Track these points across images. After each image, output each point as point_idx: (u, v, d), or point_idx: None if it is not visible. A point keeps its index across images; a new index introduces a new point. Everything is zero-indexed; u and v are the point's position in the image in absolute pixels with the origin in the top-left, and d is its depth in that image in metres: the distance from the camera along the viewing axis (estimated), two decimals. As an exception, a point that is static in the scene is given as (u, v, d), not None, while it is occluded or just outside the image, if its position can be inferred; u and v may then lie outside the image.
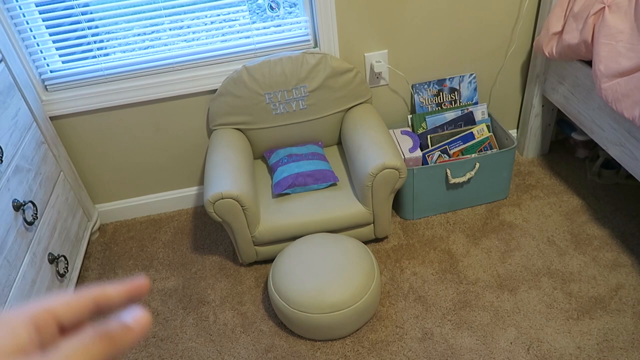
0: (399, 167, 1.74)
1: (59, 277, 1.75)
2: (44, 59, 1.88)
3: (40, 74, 1.90)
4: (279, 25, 1.95)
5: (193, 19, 1.87)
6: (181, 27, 1.89)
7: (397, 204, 2.11)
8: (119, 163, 2.15)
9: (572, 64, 1.90)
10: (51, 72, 1.91)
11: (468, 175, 1.96)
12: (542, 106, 2.18)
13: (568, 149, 2.35)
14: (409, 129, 2.14)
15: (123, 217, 2.30)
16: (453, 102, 2.16)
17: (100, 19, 1.84)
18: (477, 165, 1.95)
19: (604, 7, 1.64)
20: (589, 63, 1.80)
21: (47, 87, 1.93)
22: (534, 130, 2.25)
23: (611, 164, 2.12)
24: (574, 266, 1.81)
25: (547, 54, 1.90)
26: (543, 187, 2.17)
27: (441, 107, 2.16)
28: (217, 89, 1.95)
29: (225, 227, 1.80)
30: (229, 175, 1.76)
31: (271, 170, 2.01)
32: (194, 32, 1.90)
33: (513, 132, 2.38)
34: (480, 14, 1.99)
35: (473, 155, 2.00)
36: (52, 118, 1.95)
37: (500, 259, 1.87)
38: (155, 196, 2.28)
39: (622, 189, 2.08)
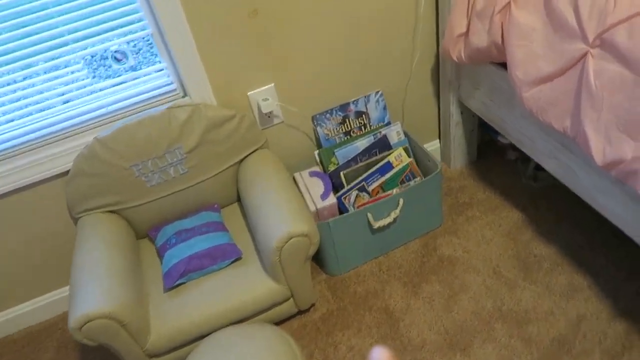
0: (307, 232, 1.42)
1: None
2: None
3: None
4: (135, 79, 1.56)
5: (16, 91, 1.45)
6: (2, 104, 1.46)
7: (320, 260, 1.80)
8: (-32, 277, 1.70)
9: (485, 67, 1.64)
10: None
11: (393, 215, 1.67)
12: (461, 113, 1.92)
13: (497, 151, 2.12)
14: (318, 168, 1.82)
15: (-7, 337, 1.85)
16: (363, 128, 1.86)
17: None
18: (401, 201, 1.66)
19: (510, 2, 1.37)
20: (505, 65, 1.55)
21: None
22: (457, 139, 2.00)
23: (545, 164, 1.91)
24: (527, 301, 1.57)
25: (455, 58, 1.63)
26: (478, 203, 1.92)
27: (350, 136, 1.85)
28: (69, 170, 1.55)
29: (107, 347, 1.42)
30: (98, 285, 1.38)
31: (159, 254, 1.63)
32: (25, 107, 1.48)
33: (436, 143, 2.12)
34: (374, 24, 1.68)
35: (395, 190, 1.71)
36: None
37: (445, 307, 1.61)
38: (29, 304, 1.84)
39: (561, 192, 1.87)
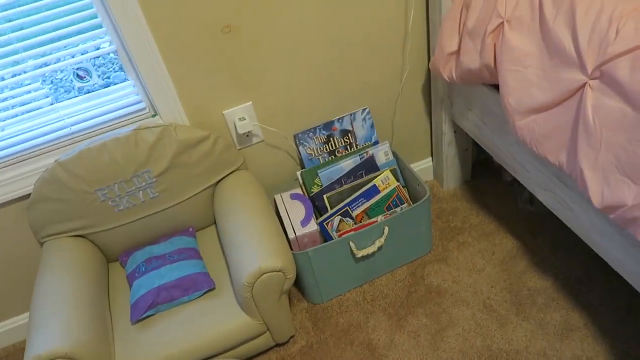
0: (281, 267, 1.32)
1: None
2: None
3: None
4: (102, 96, 1.46)
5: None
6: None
7: (301, 288, 1.70)
8: None
9: (477, 88, 1.52)
10: None
11: (378, 243, 1.56)
12: (455, 132, 1.81)
13: (493, 171, 2.01)
14: (300, 191, 1.71)
15: (-42, 361, 1.77)
16: (348, 147, 1.75)
17: None
18: (387, 229, 1.56)
19: (503, 23, 1.26)
20: (498, 87, 1.44)
21: None
22: (450, 158, 1.89)
23: (543, 188, 1.79)
24: (519, 340, 1.46)
25: (446, 77, 1.52)
26: (471, 228, 1.81)
27: (335, 156, 1.75)
28: (30, 194, 1.45)
29: (67, 387, 1.33)
30: (56, 321, 1.28)
31: (129, 282, 1.54)
32: (-21, 125, 1.38)
33: (428, 161, 2.01)
34: (359, 38, 1.57)
35: (380, 217, 1.60)
36: None
37: (431, 344, 1.50)
38: (-4, 327, 1.76)
39: (558, 218, 1.75)
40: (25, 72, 1.31)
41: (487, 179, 1.98)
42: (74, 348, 1.24)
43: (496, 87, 1.45)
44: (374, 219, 1.61)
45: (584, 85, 1.04)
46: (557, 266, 1.62)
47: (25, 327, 1.78)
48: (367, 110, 1.72)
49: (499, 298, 1.58)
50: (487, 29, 1.29)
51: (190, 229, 1.64)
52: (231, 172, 1.61)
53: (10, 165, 1.45)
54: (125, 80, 1.45)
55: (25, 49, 1.27)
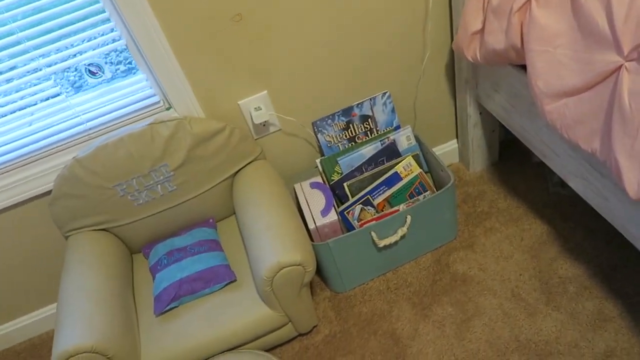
0: (300, 262, 1.30)
1: None
2: None
3: None
4: (114, 92, 1.44)
5: (-12, 110, 1.36)
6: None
7: (323, 277, 1.68)
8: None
9: (504, 68, 1.44)
10: None
11: (400, 232, 1.52)
12: (480, 113, 1.73)
13: (521, 152, 1.92)
14: (320, 179, 1.67)
15: (-3, 349, 1.84)
16: (369, 133, 1.70)
17: None
18: (409, 218, 1.51)
19: (530, 0, 1.17)
20: (526, 67, 1.35)
21: None
22: (476, 140, 1.81)
23: (575, 169, 1.70)
24: (549, 331, 1.41)
25: (470, 58, 1.43)
26: (498, 213, 1.74)
27: (355, 142, 1.70)
28: (51, 191, 1.46)
29: (95, 378, 1.36)
30: (81, 316, 1.30)
31: (152, 274, 1.55)
32: (-2, 124, 1.39)
33: (453, 143, 1.93)
34: (377, 18, 1.49)
35: (402, 206, 1.56)
36: None
37: (456, 334, 1.47)
38: (30, 316, 1.81)
39: (593, 200, 1.67)
40: (36, 71, 1.31)
41: (515, 161, 1.90)
42: (99, 342, 1.26)
43: (524, 67, 1.37)
44: (396, 208, 1.57)
45: (619, 68, 0.95)
46: (590, 253, 1.55)
47: (52, 317, 1.83)
48: (387, 94, 1.66)
49: (527, 286, 1.52)
50: (513, 7, 1.20)
51: (211, 220, 1.64)
52: (249, 163, 1.58)
53: (31, 162, 1.46)
54: (134, 73, 1.42)
55: (36, 47, 1.26)
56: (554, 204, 1.71)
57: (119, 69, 1.39)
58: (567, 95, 1.11)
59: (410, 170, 1.59)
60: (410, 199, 1.59)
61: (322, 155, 1.71)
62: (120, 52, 1.43)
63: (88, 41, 1.30)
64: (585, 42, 1.03)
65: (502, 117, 1.55)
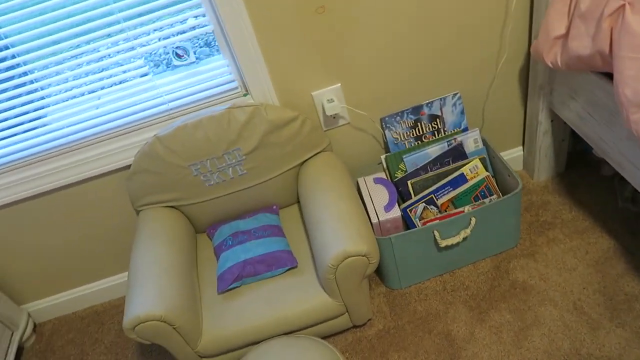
0: (366, 252, 1.32)
1: None
2: None
3: None
4: (196, 75, 1.50)
5: (81, 85, 1.45)
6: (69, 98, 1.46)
7: (379, 272, 1.70)
8: (42, 258, 1.78)
9: (584, 75, 1.41)
10: None
11: (463, 234, 1.52)
12: (551, 121, 1.70)
13: (590, 164, 1.87)
14: (384, 175, 1.69)
15: (62, 313, 1.95)
16: (436, 133, 1.70)
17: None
18: (474, 220, 1.51)
19: (624, 5, 1.14)
20: (610, 75, 1.32)
21: None
22: (544, 149, 1.78)
23: (648, 185, 1.65)
24: (612, 347, 1.38)
25: (549, 63, 1.42)
26: (563, 224, 1.71)
27: (422, 141, 1.70)
28: (130, 165, 1.54)
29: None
30: (152, 286, 1.37)
31: (215, 253, 1.61)
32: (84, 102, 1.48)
33: (518, 150, 1.91)
34: (456, 19, 1.50)
35: (467, 208, 1.55)
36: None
37: (514, 342, 1.45)
38: (95, 285, 1.91)
39: (666, 219, 1.61)
40: (129, 50, 1.38)
41: (582, 172, 1.86)
42: (168, 312, 1.32)
43: (607, 75, 1.34)
44: (460, 209, 1.56)
45: None
46: (661, 272, 1.50)
47: (120, 286, 1.92)
48: (458, 95, 1.66)
49: (591, 300, 1.49)
50: (605, 12, 1.18)
51: (274, 207, 1.68)
52: (317, 153, 1.61)
53: (114, 137, 1.54)
54: (219, 59, 1.48)
55: (130, 28, 1.34)
56: (623, 220, 1.66)
57: (203, 52, 1.44)
58: (658, 106, 1.08)
59: (477, 172, 1.59)
60: (475, 201, 1.59)
61: (388, 151, 1.72)
62: (203, 38, 1.49)
63: (181, 23, 1.36)
64: (684, 51, 1.01)
65: (576, 125, 1.53)
